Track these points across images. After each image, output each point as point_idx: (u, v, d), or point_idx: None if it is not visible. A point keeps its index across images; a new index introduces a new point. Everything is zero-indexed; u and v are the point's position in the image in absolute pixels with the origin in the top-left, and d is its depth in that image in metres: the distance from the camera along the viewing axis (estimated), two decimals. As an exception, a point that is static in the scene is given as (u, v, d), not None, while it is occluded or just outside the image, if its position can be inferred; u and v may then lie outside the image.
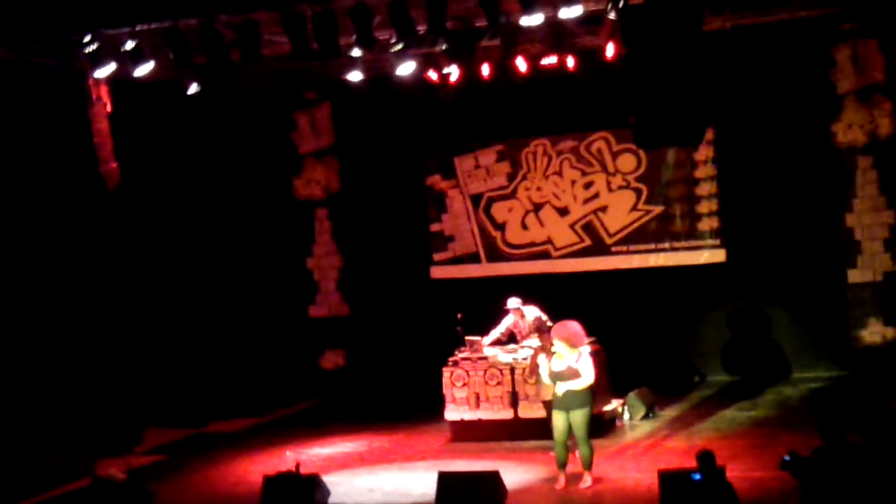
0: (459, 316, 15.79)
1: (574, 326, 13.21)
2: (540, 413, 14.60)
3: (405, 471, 14.50)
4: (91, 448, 15.39)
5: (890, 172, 17.54)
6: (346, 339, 20.46)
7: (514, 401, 15.40)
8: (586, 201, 19.08)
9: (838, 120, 17.68)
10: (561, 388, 12.88)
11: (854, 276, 17.74)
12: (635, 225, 18.77)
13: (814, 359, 18.21)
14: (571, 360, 12.94)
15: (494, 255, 19.62)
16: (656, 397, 16.58)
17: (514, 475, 13.47)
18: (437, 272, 19.94)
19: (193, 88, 15.90)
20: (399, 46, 14.39)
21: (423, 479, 13.47)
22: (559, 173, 19.21)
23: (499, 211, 19.59)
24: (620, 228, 18.87)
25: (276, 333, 20.04)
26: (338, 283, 20.64)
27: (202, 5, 13.68)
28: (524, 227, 19.46)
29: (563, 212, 19.23)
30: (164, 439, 17.41)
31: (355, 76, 16.10)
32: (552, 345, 13.06)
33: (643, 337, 18.34)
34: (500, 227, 19.58)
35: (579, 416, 12.85)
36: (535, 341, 14.57)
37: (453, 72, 16.37)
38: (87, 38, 14.08)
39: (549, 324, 15.32)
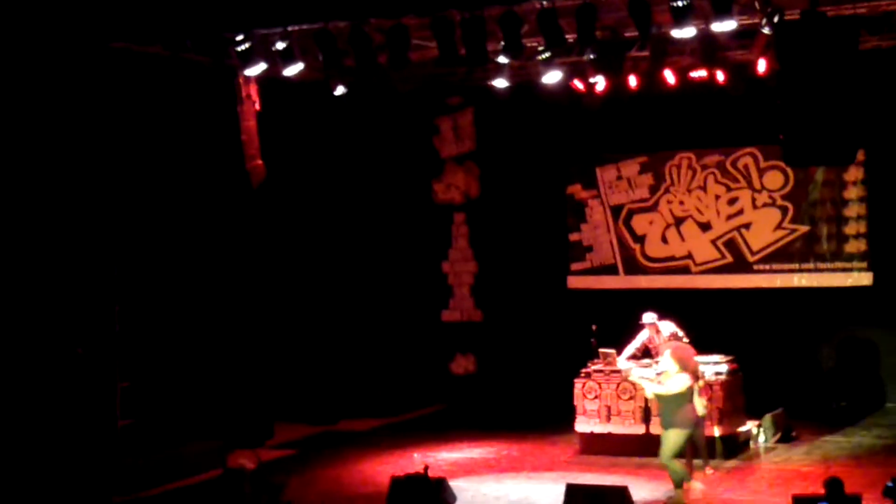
0: (594, 328, 15.69)
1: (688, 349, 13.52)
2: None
3: (532, 480, 14.45)
4: (225, 440, 15.68)
5: None
6: (478, 344, 20.47)
7: (646, 416, 15.24)
8: (730, 217, 18.77)
9: None
10: (649, 389, 13.45)
11: None
12: (779, 243, 18.40)
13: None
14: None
15: (632, 267, 19.42)
16: (793, 420, 16.23)
17: (643, 492, 13.34)
18: (574, 282, 19.82)
19: (340, 90, 16.07)
20: (546, 55, 14.32)
21: (550, 490, 13.41)
22: (703, 188, 18.94)
23: (639, 223, 19.39)
24: (764, 246, 18.51)
25: (409, 335, 20.14)
26: (472, 289, 20.66)
27: (353, 8, 13.77)
28: (664, 240, 19.23)
29: (705, 227, 18.95)
30: (294, 435, 17.65)
31: (500, 83, 16.07)
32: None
33: (782, 358, 17.97)
34: (640, 239, 19.38)
35: (668, 436, 13.03)
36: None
37: (600, 82, 16.24)
38: (240, 37, 14.30)
39: (686, 340, 15.18)
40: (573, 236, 19.86)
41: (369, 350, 19.50)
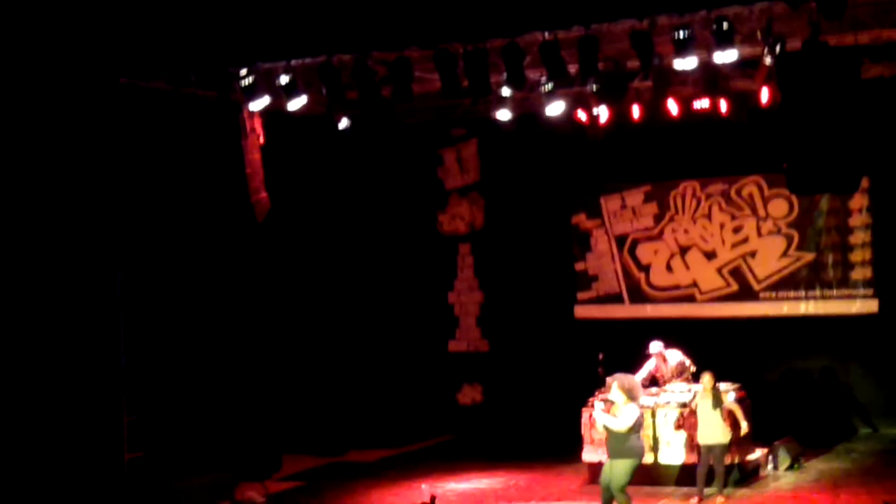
0: (600, 356, 15.63)
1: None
2: (680, 459, 14.36)
3: (541, 511, 14.41)
4: (233, 472, 15.65)
5: None
6: (485, 374, 20.44)
7: (654, 445, 15.16)
8: (735, 245, 18.77)
9: None
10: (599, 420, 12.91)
11: None
12: (785, 271, 18.40)
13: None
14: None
15: (638, 296, 19.42)
16: (802, 448, 16.17)
17: (652, 522, 13.28)
18: (581, 311, 19.82)
19: (344, 123, 16.14)
20: (549, 86, 14.36)
21: (558, 521, 13.36)
22: (708, 216, 18.95)
23: (644, 252, 19.40)
24: (770, 274, 18.51)
25: (416, 366, 20.14)
26: (478, 319, 20.66)
27: (356, 42, 13.86)
28: (669, 269, 19.23)
29: (710, 255, 18.95)
30: (302, 466, 17.61)
31: (504, 114, 16.10)
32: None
33: (789, 386, 17.93)
34: (645, 268, 19.38)
35: (619, 466, 12.65)
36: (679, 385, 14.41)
37: (603, 112, 16.28)
38: (244, 72, 14.38)
39: (693, 368, 15.14)
40: (578, 266, 19.87)
41: (376, 381, 19.49)
